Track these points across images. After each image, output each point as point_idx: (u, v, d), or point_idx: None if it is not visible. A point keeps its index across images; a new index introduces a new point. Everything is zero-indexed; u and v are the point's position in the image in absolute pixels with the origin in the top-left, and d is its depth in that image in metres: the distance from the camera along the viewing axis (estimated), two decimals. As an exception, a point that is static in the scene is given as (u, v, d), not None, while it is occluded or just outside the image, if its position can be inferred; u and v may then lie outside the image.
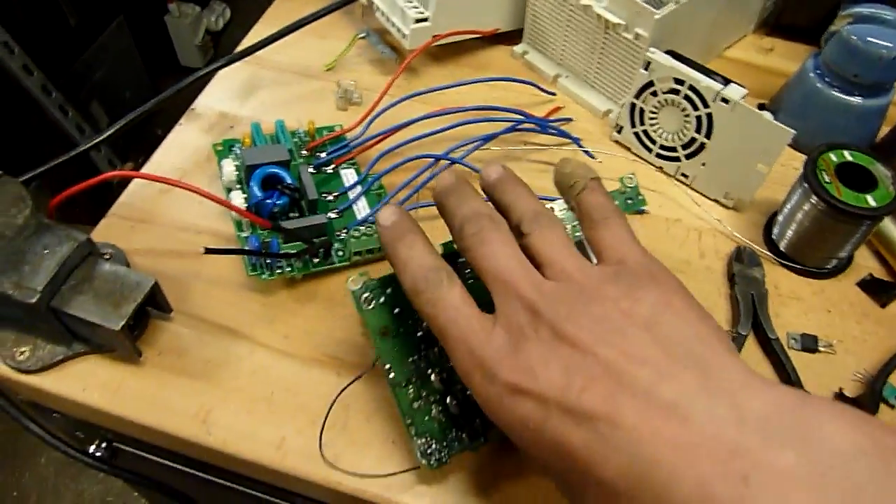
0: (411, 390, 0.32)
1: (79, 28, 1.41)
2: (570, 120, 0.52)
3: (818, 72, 0.49)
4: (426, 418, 0.32)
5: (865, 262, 0.45)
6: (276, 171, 0.42)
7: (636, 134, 0.49)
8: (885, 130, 0.51)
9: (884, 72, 0.46)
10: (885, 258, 0.45)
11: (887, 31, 0.46)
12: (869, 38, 0.46)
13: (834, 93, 0.48)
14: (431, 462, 0.32)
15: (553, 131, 0.50)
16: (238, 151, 0.45)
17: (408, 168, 0.46)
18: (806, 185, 0.41)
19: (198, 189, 0.37)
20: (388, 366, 0.32)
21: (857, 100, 0.48)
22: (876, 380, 0.38)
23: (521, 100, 0.53)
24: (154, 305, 0.38)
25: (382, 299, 0.32)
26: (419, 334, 0.33)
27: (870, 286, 0.44)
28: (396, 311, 0.32)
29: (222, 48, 1.86)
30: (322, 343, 0.40)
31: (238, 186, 0.43)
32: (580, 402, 0.23)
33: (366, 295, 0.32)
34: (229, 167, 0.43)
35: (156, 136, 0.50)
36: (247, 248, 0.41)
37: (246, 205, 0.41)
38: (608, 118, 0.52)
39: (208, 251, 0.34)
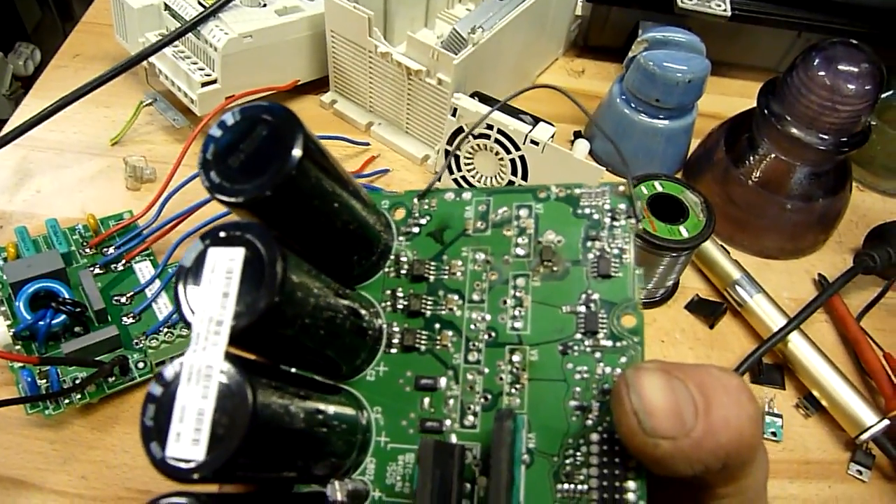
0: None
1: None
2: (387, 171, 0.49)
3: (623, 97, 0.49)
4: None
5: (692, 284, 0.46)
6: (47, 284, 0.36)
7: (455, 180, 0.47)
8: (695, 143, 0.53)
9: (683, 95, 0.47)
10: (709, 277, 0.46)
11: (682, 54, 0.47)
12: (665, 64, 0.46)
13: (641, 118, 0.49)
14: None
15: (371, 188, 0.47)
16: (2, 265, 0.39)
17: (214, 251, 0.41)
18: (622, 222, 0.41)
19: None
20: None
21: (663, 123, 0.49)
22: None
23: (335, 152, 0.50)
24: None
25: None
26: None
27: (697, 307, 0.45)
28: None
29: (36, 94, 1.70)
30: (129, 475, 0.35)
31: (3, 309, 0.37)
32: None
33: None
34: (-13, 289, 0.36)
35: None
36: (19, 382, 0.35)
37: (13, 331, 0.35)
38: (426, 164, 0.50)
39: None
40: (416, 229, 0.21)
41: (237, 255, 0.15)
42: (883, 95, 0.50)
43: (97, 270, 0.40)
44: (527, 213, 0.20)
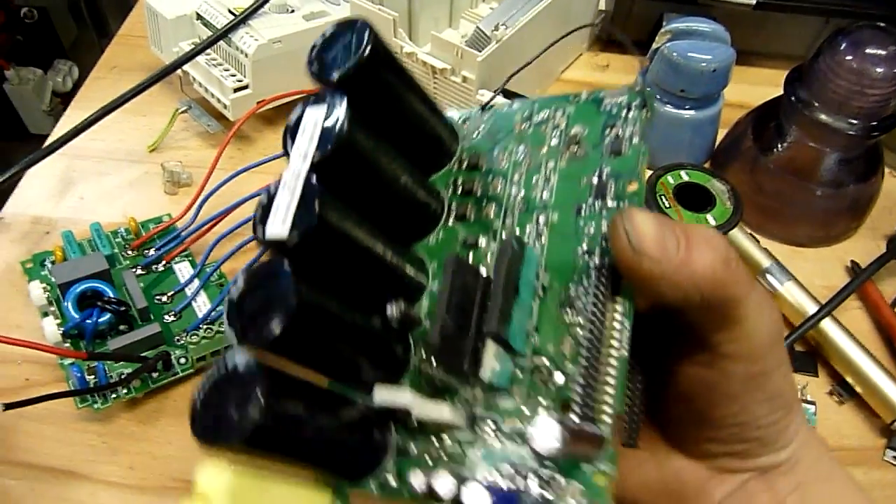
0: None
1: None
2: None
3: (649, 89, 0.50)
4: None
5: (720, 273, 0.46)
6: (93, 285, 0.38)
7: (483, 177, 0.48)
8: (723, 133, 0.53)
9: (709, 85, 0.47)
10: (738, 266, 0.46)
11: (706, 44, 0.47)
12: (690, 54, 0.46)
13: (667, 109, 0.49)
14: None
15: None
16: (50, 267, 0.40)
17: (249, 250, 0.43)
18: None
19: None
20: None
21: (689, 113, 0.49)
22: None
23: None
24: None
25: None
26: None
27: (728, 297, 0.44)
28: None
29: (75, 108, 1.74)
30: (174, 467, 0.36)
31: (53, 309, 0.39)
32: None
33: None
34: (37, 290, 0.38)
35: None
36: (69, 378, 0.36)
37: (62, 329, 0.37)
38: (455, 162, 0.51)
39: (8, 407, 0.30)
40: (475, 134, 0.25)
41: (321, 112, 0.20)
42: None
43: (139, 271, 0.42)
44: (561, 113, 0.24)
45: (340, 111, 0.19)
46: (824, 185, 0.46)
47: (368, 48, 0.20)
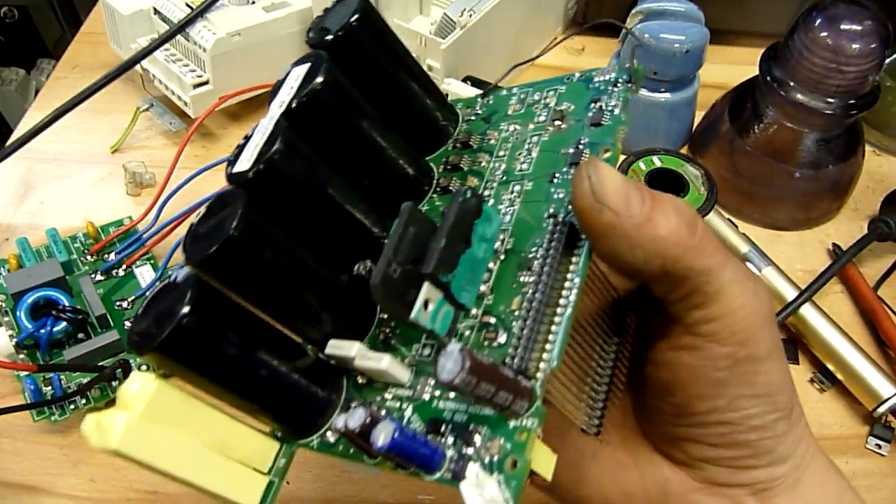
0: None
1: None
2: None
3: (636, 44, 0.48)
4: None
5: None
6: (47, 293, 0.37)
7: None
8: (700, 116, 0.51)
9: (682, 66, 0.46)
10: (716, 252, 0.45)
11: (678, 24, 0.46)
12: (662, 35, 0.45)
13: (641, 92, 0.47)
14: None
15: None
16: (4, 275, 0.39)
17: (213, 251, 0.41)
18: (621, 200, 0.40)
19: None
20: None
21: (663, 96, 0.47)
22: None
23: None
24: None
25: None
26: None
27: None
28: None
29: (60, 107, 1.73)
30: (135, 478, 0.35)
31: (7, 319, 0.37)
32: None
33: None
34: (-11, 300, 0.37)
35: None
36: (24, 390, 0.35)
37: (15, 340, 0.36)
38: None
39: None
40: (473, 117, 0.27)
41: (303, 69, 0.22)
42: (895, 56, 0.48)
43: (99, 277, 0.40)
44: (553, 93, 0.25)
45: (321, 67, 0.21)
46: (803, 166, 0.44)
47: (356, 16, 0.22)
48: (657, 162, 0.41)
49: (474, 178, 0.24)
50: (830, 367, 0.39)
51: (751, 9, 0.56)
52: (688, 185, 0.40)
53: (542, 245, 0.20)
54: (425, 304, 0.19)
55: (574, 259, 0.20)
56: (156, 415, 0.17)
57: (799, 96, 0.42)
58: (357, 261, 0.22)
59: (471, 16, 0.44)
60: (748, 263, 0.42)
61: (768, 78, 0.43)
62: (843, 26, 0.39)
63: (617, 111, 0.22)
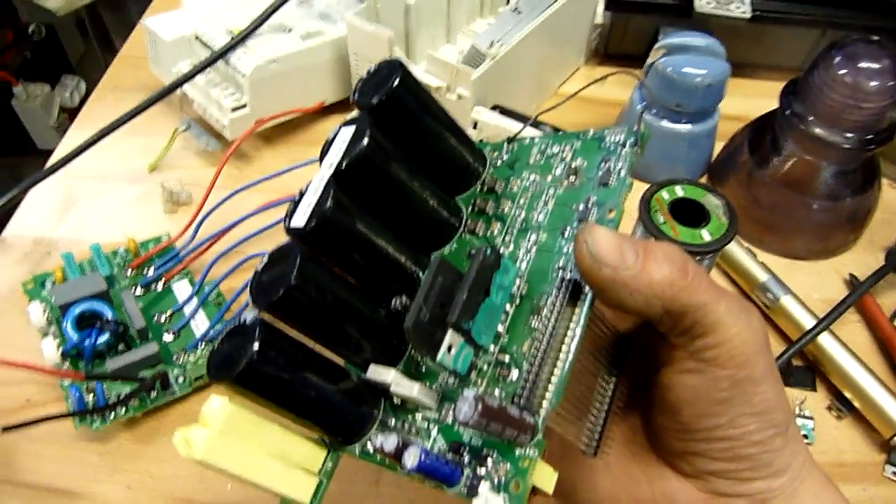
0: None
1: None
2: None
3: (644, 103, 0.50)
4: None
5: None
6: (92, 305, 0.38)
7: (480, 193, 0.48)
8: (720, 146, 0.53)
9: (704, 99, 0.47)
10: (735, 280, 0.46)
11: (701, 58, 0.47)
12: (684, 70, 0.46)
13: (663, 123, 0.49)
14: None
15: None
16: (50, 288, 0.41)
17: (247, 268, 0.43)
18: (642, 227, 0.41)
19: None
20: None
21: (685, 127, 0.49)
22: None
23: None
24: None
25: None
26: None
27: (725, 311, 0.44)
28: None
29: (82, 124, 1.75)
30: (171, 486, 0.36)
31: (53, 329, 0.39)
32: None
33: None
34: (37, 311, 0.39)
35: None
36: (68, 398, 0.37)
37: (61, 350, 0.37)
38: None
39: (7, 430, 0.31)
40: (499, 162, 0.29)
41: (350, 131, 0.24)
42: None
43: (138, 291, 0.42)
44: (569, 147, 0.28)
45: (365, 131, 0.24)
46: (821, 198, 0.46)
47: (396, 82, 0.24)
48: (679, 192, 0.42)
49: (497, 222, 0.27)
50: (848, 394, 0.40)
51: (770, 44, 0.58)
52: (709, 214, 0.41)
53: (550, 294, 0.23)
54: (448, 349, 0.22)
55: (577, 310, 0.23)
56: (230, 430, 0.21)
57: (818, 130, 0.43)
58: (394, 293, 0.25)
59: (500, 47, 0.46)
60: (766, 291, 0.43)
61: (788, 111, 0.44)
62: (861, 64, 0.41)
63: (623, 173, 0.25)
